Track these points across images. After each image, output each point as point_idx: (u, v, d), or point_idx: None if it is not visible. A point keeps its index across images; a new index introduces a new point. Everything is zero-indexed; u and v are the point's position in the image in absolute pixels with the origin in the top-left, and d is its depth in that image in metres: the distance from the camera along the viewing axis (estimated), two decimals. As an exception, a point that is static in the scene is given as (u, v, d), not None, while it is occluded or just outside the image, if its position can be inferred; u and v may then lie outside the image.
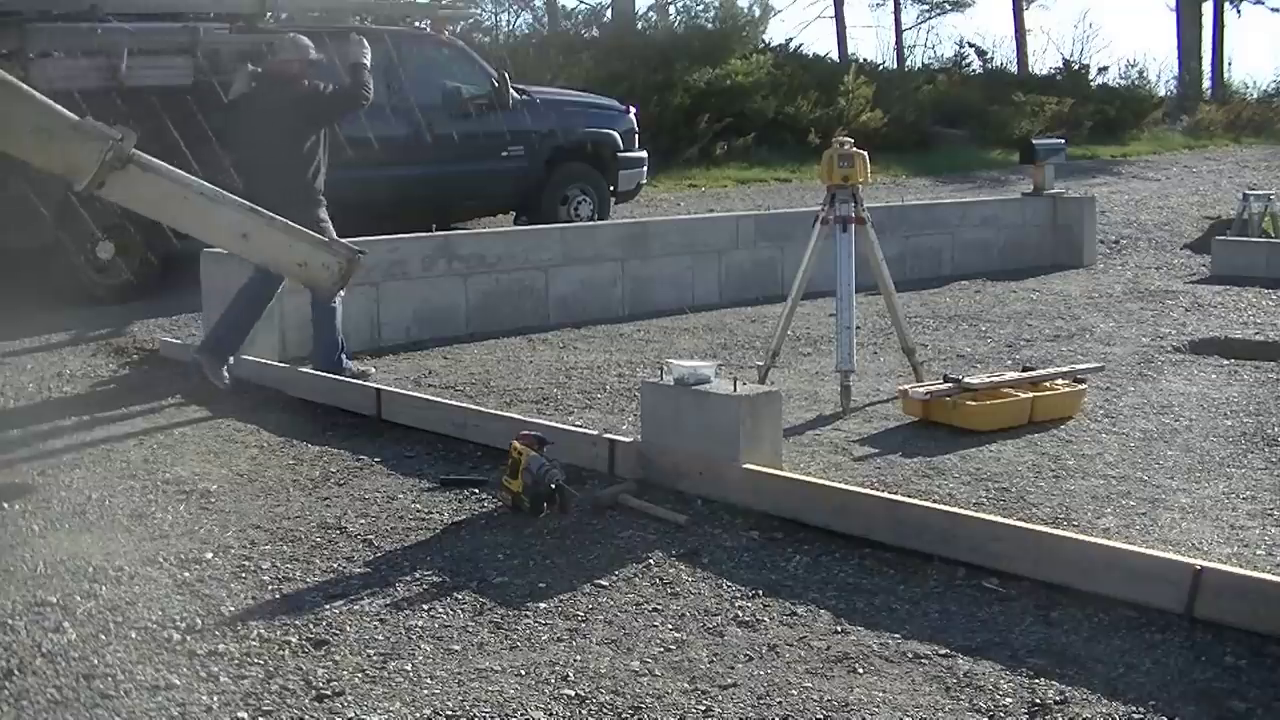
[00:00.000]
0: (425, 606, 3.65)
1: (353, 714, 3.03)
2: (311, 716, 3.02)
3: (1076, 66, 27.45)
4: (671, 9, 23.75)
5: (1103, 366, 6.55)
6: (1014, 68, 28.12)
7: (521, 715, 3.01)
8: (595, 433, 5.00)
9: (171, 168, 5.52)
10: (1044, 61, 36.96)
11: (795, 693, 3.09)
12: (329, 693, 3.12)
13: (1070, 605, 3.53)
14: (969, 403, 5.55)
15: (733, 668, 3.24)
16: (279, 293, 6.67)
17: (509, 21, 25.60)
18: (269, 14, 9.95)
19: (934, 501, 4.37)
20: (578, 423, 5.58)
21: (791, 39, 36.45)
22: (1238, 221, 11.87)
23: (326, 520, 4.44)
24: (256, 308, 6.65)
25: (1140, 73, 28.14)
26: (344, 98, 6.84)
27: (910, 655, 3.30)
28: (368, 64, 6.80)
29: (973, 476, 4.83)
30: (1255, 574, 3.51)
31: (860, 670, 3.22)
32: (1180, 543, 4.07)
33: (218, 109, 7.34)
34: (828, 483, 4.49)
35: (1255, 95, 29.68)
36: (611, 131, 12.15)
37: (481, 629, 3.50)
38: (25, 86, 5.32)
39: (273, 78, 6.86)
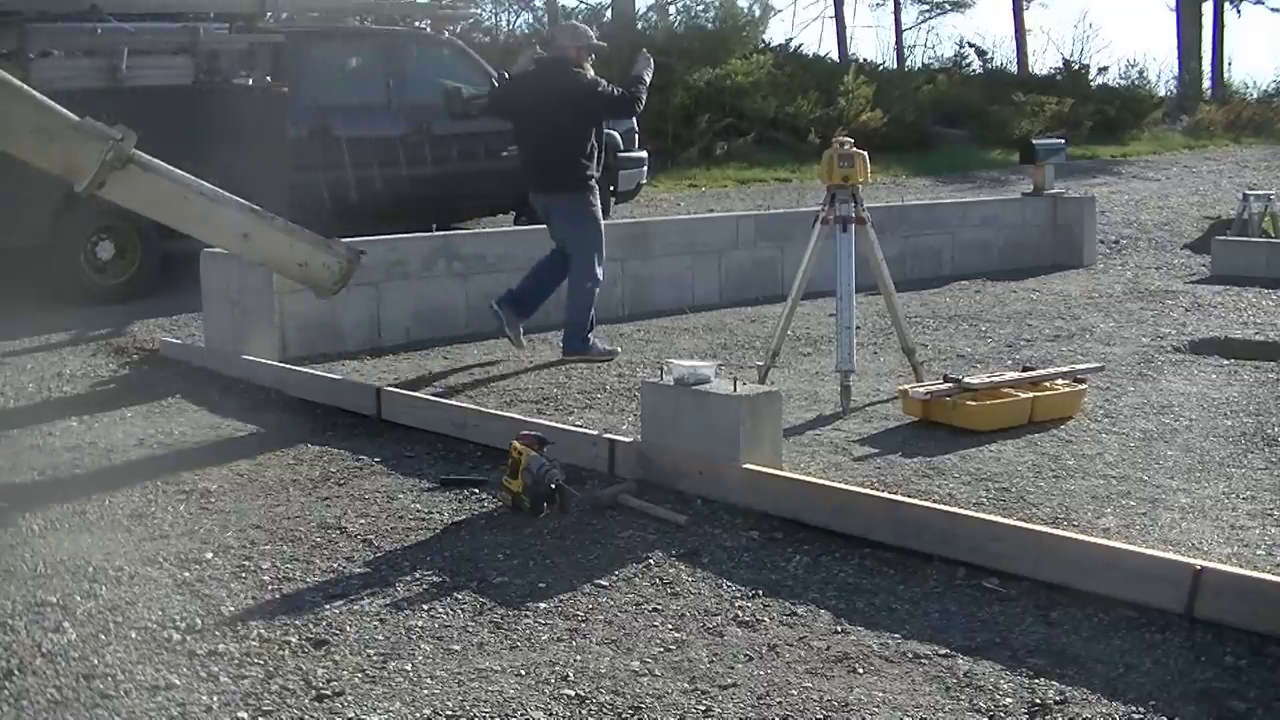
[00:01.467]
0: (425, 606, 3.65)
1: (353, 714, 3.03)
2: (311, 716, 3.02)
3: (1076, 66, 27.45)
4: (671, 9, 23.77)
5: (1103, 366, 6.55)
6: (1014, 68, 28.13)
7: (521, 715, 3.01)
8: (595, 433, 5.01)
9: (171, 168, 5.52)
10: (1044, 61, 36.99)
11: (795, 693, 3.09)
12: (329, 693, 3.12)
13: (1070, 605, 3.53)
14: (969, 403, 5.55)
15: (733, 668, 3.24)
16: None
17: (509, 21, 25.62)
18: (269, 14, 9.95)
19: (934, 501, 4.37)
20: (578, 423, 5.58)
21: (791, 39, 36.42)
22: (1238, 221, 11.87)
23: (326, 520, 4.44)
24: (557, 275, 7.14)
25: (1140, 73, 28.16)
26: (618, 102, 7.16)
27: (910, 655, 3.30)
28: (647, 81, 7.20)
29: (973, 476, 4.83)
30: (1255, 574, 3.51)
31: (860, 670, 3.22)
32: (1180, 543, 4.07)
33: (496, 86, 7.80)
34: (828, 483, 4.49)
35: (1255, 95, 29.69)
36: (611, 131, 12.14)
37: (481, 629, 3.50)
38: (25, 86, 5.32)
39: (552, 62, 7.20)
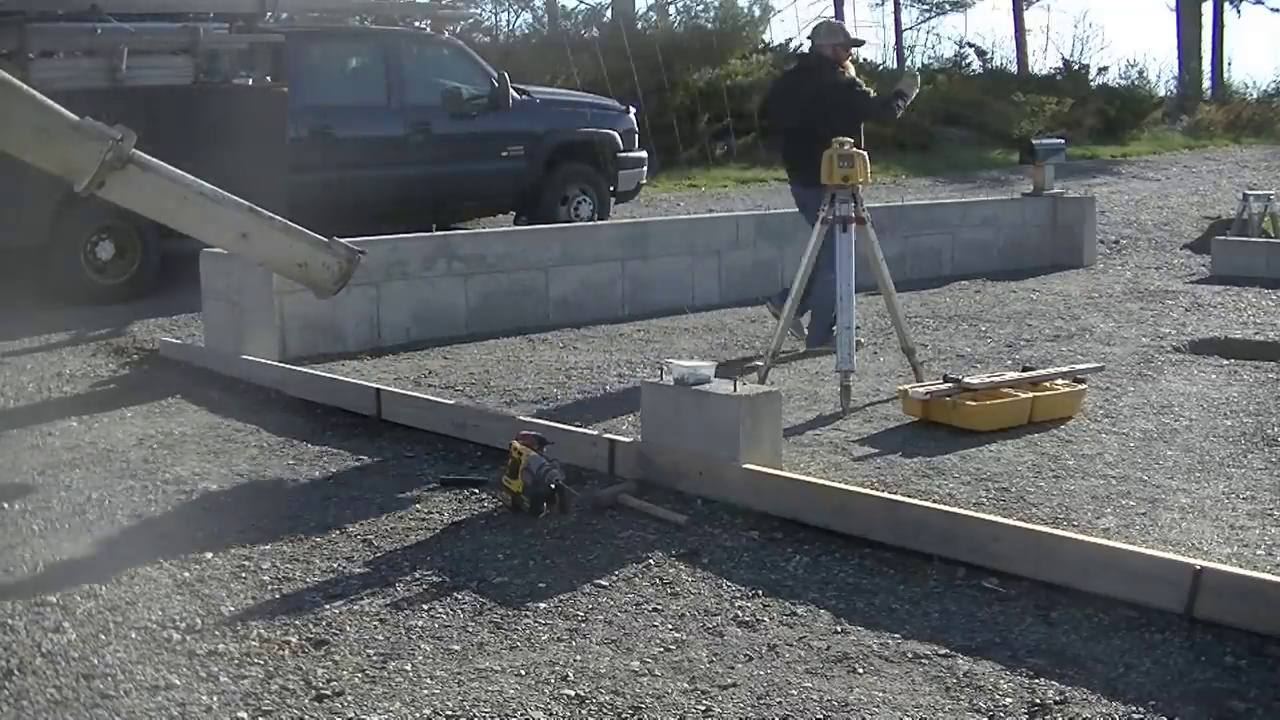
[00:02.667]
0: (425, 606, 3.65)
1: (353, 714, 3.03)
2: (311, 716, 3.02)
3: (1076, 66, 27.43)
4: (671, 9, 23.78)
5: (1103, 366, 6.55)
6: (1014, 68, 28.11)
7: (521, 715, 3.01)
8: (595, 433, 5.00)
9: (171, 168, 5.51)
10: (1044, 61, 36.88)
11: (795, 693, 3.09)
12: (329, 693, 3.12)
13: (1070, 605, 3.53)
14: (969, 403, 5.55)
15: (733, 668, 3.24)
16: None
17: (509, 21, 25.61)
18: (269, 14, 9.95)
19: (934, 501, 4.37)
20: (577, 423, 5.58)
21: (791, 39, 36.42)
22: (1238, 221, 11.87)
23: (326, 520, 4.44)
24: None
25: (1140, 73, 28.12)
26: (875, 106, 7.36)
27: (910, 655, 3.30)
28: (909, 98, 7.42)
29: (973, 476, 4.83)
30: (1255, 574, 3.51)
31: (860, 670, 3.22)
32: (1180, 543, 4.07)
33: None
34: (827, 483, 4.49)
35: (1255, 95, 29.65)
36: (611, 131, 12.15)
37: (481, 629, 3.50)
38: (25, 86, 5.32)
39: (814, 59, 7.40)
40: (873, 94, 7.41)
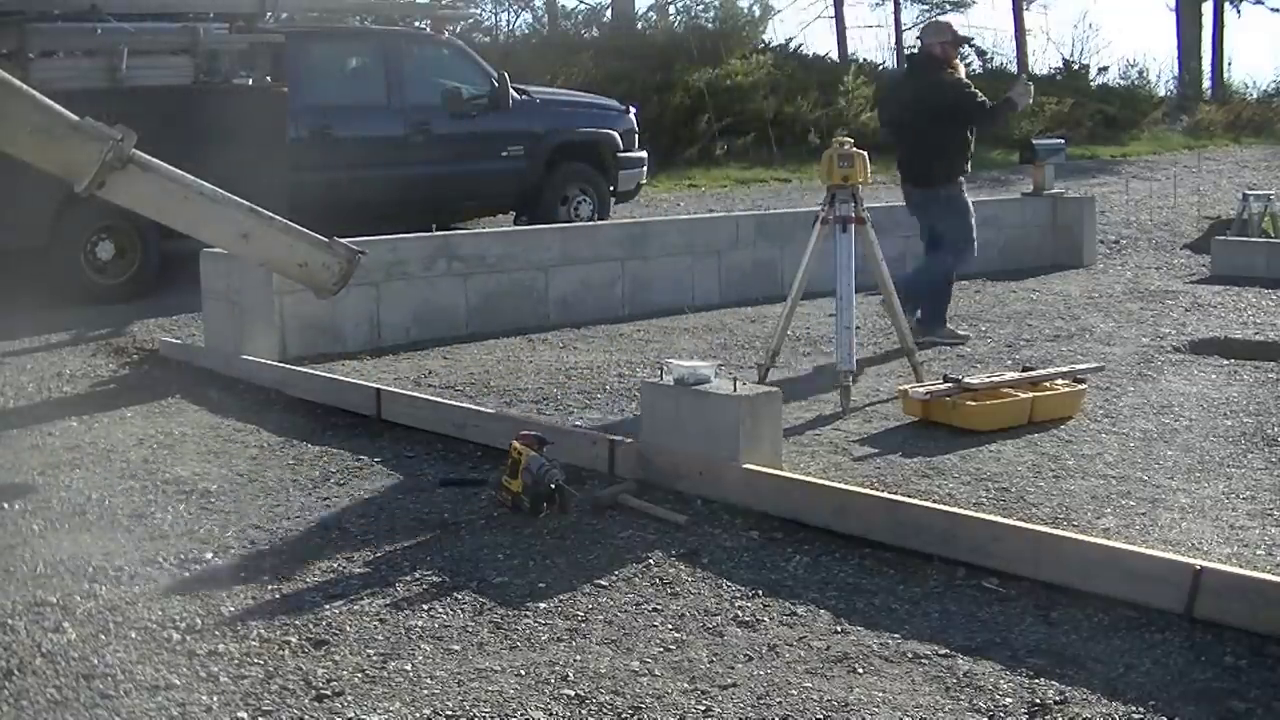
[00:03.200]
0: (425, 606, 3.65)
1: (353, 714, 3.03)
2: (311, 716, 3.02)
3: (1076, 66, 27.43)
4: (671, 9, 23.77)
5: (1103, 366, 6.54)
6: (1014, 68, 28.10)
7: (521, 715, 3.01)
8: (595, 433, 5.00)
9: (171, 168, 5.51)
10: (1044, 61, 36.96)
11: (795, 693, 3.09)
12: (329, 693, 3.12)
13: (1070, 605, 3.53)
14: (969, 403, 5.55)
15: (733, 668, 3.24)
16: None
17: (509, 21, 25.62)
18: (269, 14, 9.95)
19: (934, 501, 4.37)
20: (578, 423, 5.58)
21: (791, 39, 36.46)
22: (1238, 221, 11.86)
23: (326, 520, 4.44)
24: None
25: (1140, 73, 28.12)
26: (983, 111, 7.54)
27: (910, 655, 3.30)
28: (1018, 107, 7.82)
29: (973, 476, 4.83)
30: (1255, 574, 3.51)
31: (860, 670, 3.22)
32: (1180, 543, 4.07)
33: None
34: (827, 483, 4.49)
35: (1255, 95, 29.63)
36: (611, 131, 12.15)
37: (481, 629, 3.50)
38: (25, 86, 5.32)
39: (922, 59, 7.62)
40: (981, 98, 7.51)
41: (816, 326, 7.95)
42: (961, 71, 7.65)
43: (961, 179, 7.61)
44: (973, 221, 7.67)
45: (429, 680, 3.20)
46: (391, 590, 3.78)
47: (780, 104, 20.46)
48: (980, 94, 7.58)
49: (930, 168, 7.51)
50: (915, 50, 7.82)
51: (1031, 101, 7.74)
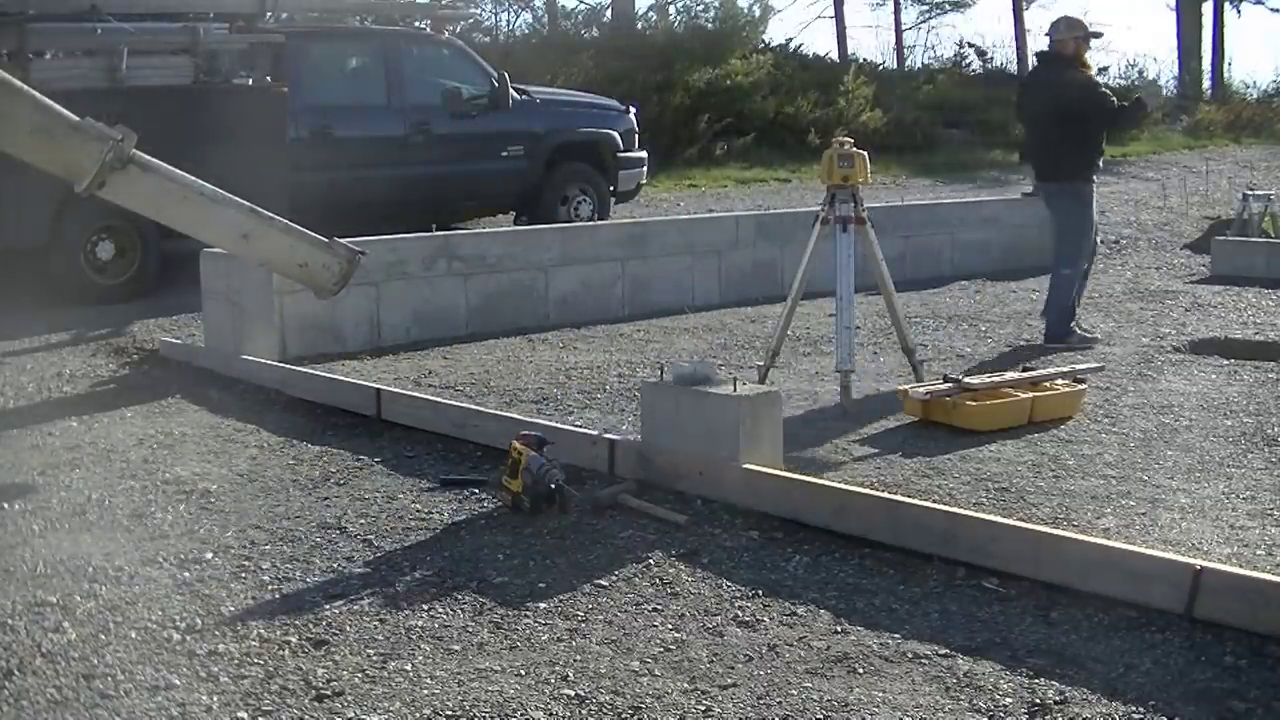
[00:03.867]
0: (425, 606, 3.65)
1: (353, 714, 3.03)
2: (311, 716, 3.02)
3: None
4: (671, 9, 23.77)
5: (1103, 366, 6.55)
6: (1014, 68, 28.11)
7: (521, 715, 3.01)
8: (595, 433, 5.00)
9: (171, 168, 5.51)
10: (1044, 61, 36.90)
11: (795, 693, 3.09)
12: (329, 693, 3.12)
13: (1070, 605, 3.53)
14: (969, 403, 5.55)
15: (733, 668, 3.24)
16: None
17: (509, 21, 25.62)
18: (269, 14, 9.95)
19: (934, 501, 4.37)
20: (578, 423, 5.58)
21: (791, 39, 36.46)
22: (1238, 221, 11.86)
23: (326, 520, 4.44)
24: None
25: (1140, 73, 28.15)
26: (1108, 115, 7.53)
27: (910, 655, 3.30)
28: (1148, 109, 8.03)
29: (973, 476, 4.83)
30: (1255, 574, 3.51)
31: (860, 670, 3.22)
32: (1180, 543, 4.07)
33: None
34: (827, 483, 4.49)
35: (1255, 95, 29.63)
36: (611, 131, 12.15)
37: (481, 629, 3.50)
38: (25, 87, 5.32)
39: (1053, 56, 7.59)
40: (1112, 100, 7.53)
41: (816, 326, 7.95)
42: (1093, 69, 7.66)
43: (1093, 176, 7.58)
44: (1093, 219, 7.70)
45: (429, 680, 3.20)
46: (391, 590, 3.78)
47: (780, 104, 20.47)
48: (1111, 95, 7.60)
49: (1058, 164, 7.52)
50: (1045, 48, 7.78)
51: (1161, 105, 7.87)
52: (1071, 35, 7.52)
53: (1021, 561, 3.73)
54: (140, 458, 5.30)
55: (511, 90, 11.34)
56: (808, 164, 17.93)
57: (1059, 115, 7.36)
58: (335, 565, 4.01)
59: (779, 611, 3.59)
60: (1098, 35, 7.83)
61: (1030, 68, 7.96)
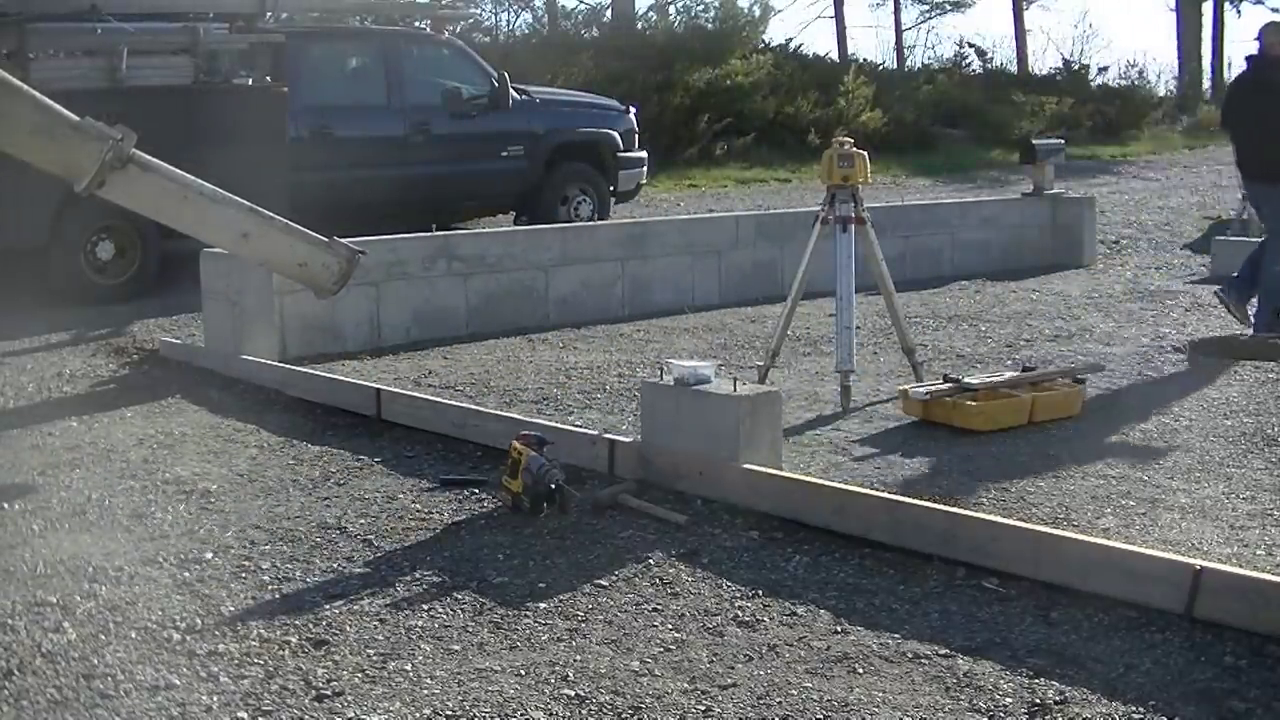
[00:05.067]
0: (425, 606, 3.65)
1: (353, 714, 3.03)
2: (311, 716, 3.02)
3: (1076, 66, 27.46)
4: (671, 9, 23.79)
5: (1103, 366, 6.55)
6: (1014, 68, 28.14)
7: (521, 715, 3.01)
8: (595, 433, 5.00)
9: (171, 168, 5.51)
10: (1044, 61, 36.90)
11: (795, 693, 3.09)
12: (329, 693, 3.12)
13: (1070, 605, 3.53)
14: (969, 403, 5.55)
15: (733, 668, 3.24)
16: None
17: (509, 21, 25.63)
18: (269, 14, 9.96)
19: (934, 501, 4.37)
20: (578, 423, 5.58)
21: (791, 39, 36.45)
22: (1238, 221, 11.86)
23: (326, 520, 4.44)
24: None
25: (1140, 73, 28.17)
26: None
27: (910, 655, 3.30)
28: None
29: (973, 476, 4.83)
30: (1255, 574, 3.51)
31: (860, 670, 3.22)
32: (1180, 543, 4.07)
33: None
34: (827, 483, 4.49)
35: (1255, 95, 29.61)
36: (611, 131, 12.15)
37: (481, 629, 3.50)
38: (25, 86, 5.32)
39: (1262, 60, 7.59)
40: None
41: (816, 326, 7.95)
42: None
43: None
44: None
45: (429, 680, 3.20)
46: (391, 590, 3.78)
47: (780, 104, 20.48)
48: None
49: (1262, 164, 7.55)
50: (1254, 53, 7.83)
51: None
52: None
53: (1021, 561, 3.73)
54: (140, 458, 5.30)
55: (511, 90, 11.35)
56: (808, 164, 17.94)
57: (1260, 117, 7.44)
58: (335, 565, 4.01)
59: (779, 611, 3.59)
60: None
61: (1237, 73, 8.09)
